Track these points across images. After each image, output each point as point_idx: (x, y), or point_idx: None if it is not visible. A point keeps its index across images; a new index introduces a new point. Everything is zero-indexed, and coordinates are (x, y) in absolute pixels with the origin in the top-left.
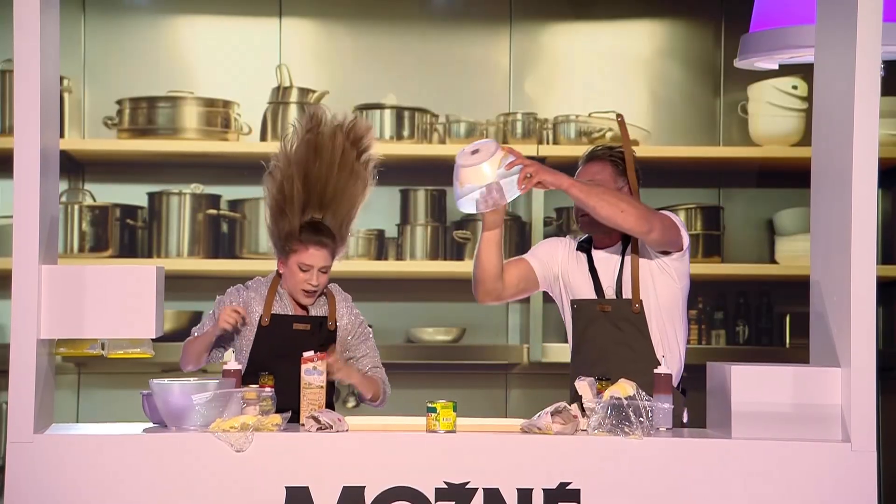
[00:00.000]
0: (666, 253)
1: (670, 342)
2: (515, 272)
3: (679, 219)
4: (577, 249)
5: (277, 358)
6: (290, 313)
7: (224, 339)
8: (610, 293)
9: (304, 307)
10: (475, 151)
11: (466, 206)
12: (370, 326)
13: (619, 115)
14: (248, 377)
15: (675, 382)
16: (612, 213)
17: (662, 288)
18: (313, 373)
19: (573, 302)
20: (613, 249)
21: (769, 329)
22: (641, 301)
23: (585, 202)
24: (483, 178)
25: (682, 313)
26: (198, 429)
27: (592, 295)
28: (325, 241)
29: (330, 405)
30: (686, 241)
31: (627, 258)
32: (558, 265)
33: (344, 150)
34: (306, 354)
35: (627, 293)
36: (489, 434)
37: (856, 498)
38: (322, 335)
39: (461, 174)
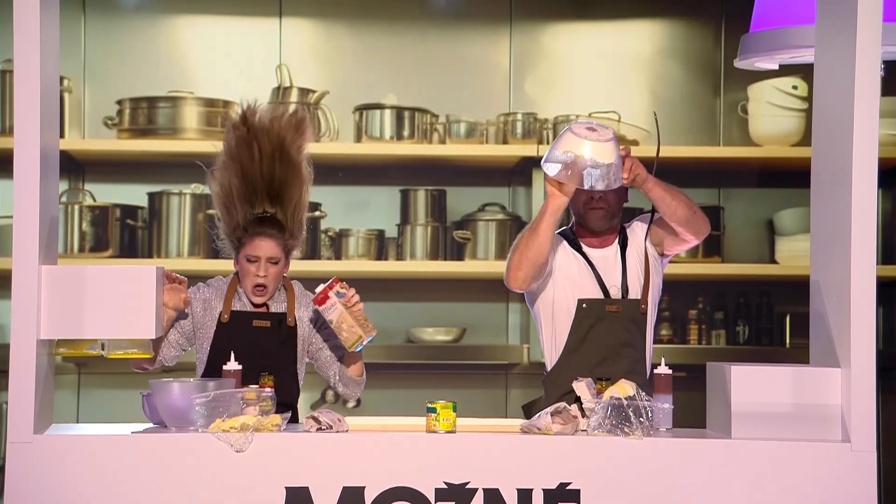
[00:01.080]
0: (664, 255)
1: (651, 342)
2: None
3: None
4: (570, 244)
5: (237, 355)
6: (250, 310)
7: (182, 337)
8: (615, 293)
9: (264, 305)
10: (591, 129)
11: (576, 179)
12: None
13: (654, 113)
14: (207, 374)
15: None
16: (688, 213)
17: (657, 289)
18: (340, 296)
19: (581, 301)
20: (610, 249)
21: (769, 329)
22: (648, 302)
23: (663, 200)
24: (602, 156)
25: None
26: (198, 429)
27: (599, 294)
28: (269, 232)
29: (291, 405)
30: None
31: (631, 259)
32: (556, 261)
33: (280, 143)
34: (319, 290)
35: (633, 293)
36: (489, 434)
37: (856, 498)
38: (283, 332)
39: (580, 145)
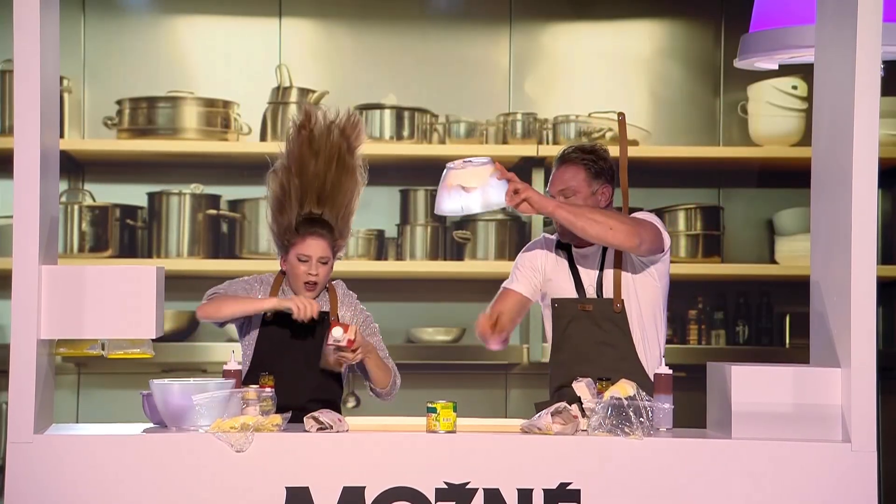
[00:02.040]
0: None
1: (650, 341)
2: (513, 308)
3: (659, 220)
4: (557, 247)
5: (281, 353)
6: None
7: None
8: (591, 292)
9: None
10: (467, 162)
11: (446, 204)
12: (376, 324)
13: (620, 114)
14: (252, 372)
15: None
16: (601, 231)
17: (643, 288)
18: (341, 335)
19: (553, 301)
20: (594, 248)
21: (769, 329)
22: (623, 301)
23: (574, 224)
24: (471, 181)
25: (663, 312)
26: (198, 429)
27: (574, 294)
28: (321, 232)
29: (337, 408)
30: (667, 242)
31: (610, 257)
32: (541, 273)
33: (339, 146)
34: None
35: (608, 292)
36: (489, 434)
37: (856, 498)
38: (324, 330)
39: (448, 176)
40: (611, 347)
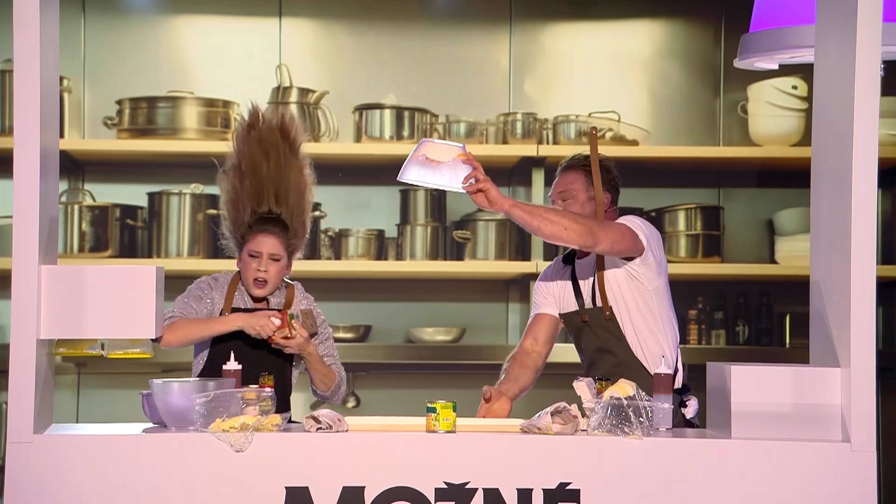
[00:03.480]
0: (629, 258)
1: (649, 345)
2: (547, 331)
3: (640, 223)
4: (563, 261)
5: (238, 351)
6: (251, 307)
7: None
8: (589, 302)
9: (264, 301)
10: (443, 141)
11: (409, 172)
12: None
13: (592, 129)
14: (206, 371)
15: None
16: (556, 230)
17: (630, 293)
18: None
19: (561, 316)
20: (587, 259)
21: (769, 329)
22: (612, 308)
23: (529, 223)
24: (438, 155)
25: (661, 315)
26: (198, 429)
27: (575, 306)
28: (272, 229)
29: (286, 402)
30: (645, 243)
31: (601, 265)
32: (553, 295)
33: (282, 146)
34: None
35: (600, 300)
36: (489, 434)
37: (856, 498)
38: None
39: (420, 147)
40: (610, 354)
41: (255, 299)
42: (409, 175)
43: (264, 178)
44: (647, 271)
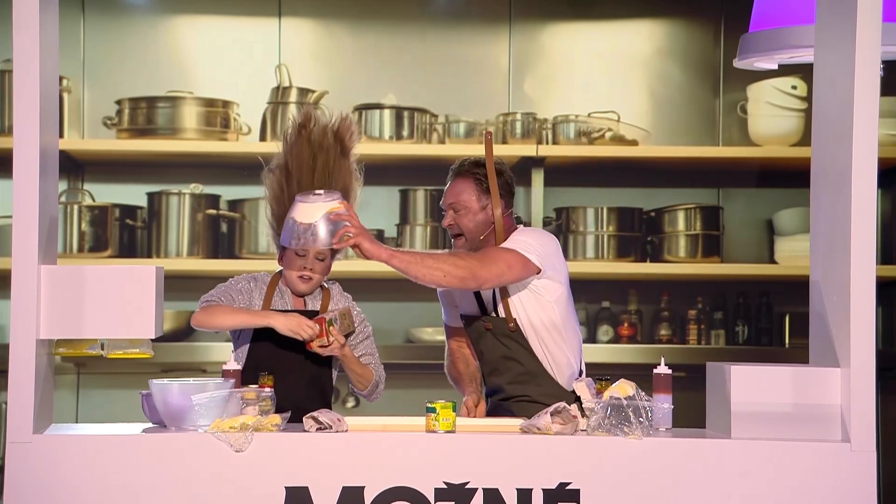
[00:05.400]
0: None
1: (555, 356)
2: (463, 333)
3: (531, 241)
4: None
5: (276, 351)
6: (290, 308)
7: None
8: (490, 309)
9: (303, 300)
10: (317, 195)
11: (283, 236)
12: (369, 327)
13: (487, 131)
14: (247, 371)
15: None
16: (435, 277)
17: (532, 307)
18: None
19: (462, 316)
20: None
21: (769, 329)
22: (515, 320)
23: (408, 272)
24: (306, 216)
25: (564, 323)
26: (197, 429)
27: (477, 311)
28: None
29: (327, 404)
30: (539, 263)
31: None
32: (458, 297)
33: (334, 148)
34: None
35: (503, 311)
36: (489, 434)
37: (855, 498)
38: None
39: (294, 208)
40: (516, 362)
41: (296, 296)
42: (283, 238)
43: (310, 178)
44: (549, 283)
